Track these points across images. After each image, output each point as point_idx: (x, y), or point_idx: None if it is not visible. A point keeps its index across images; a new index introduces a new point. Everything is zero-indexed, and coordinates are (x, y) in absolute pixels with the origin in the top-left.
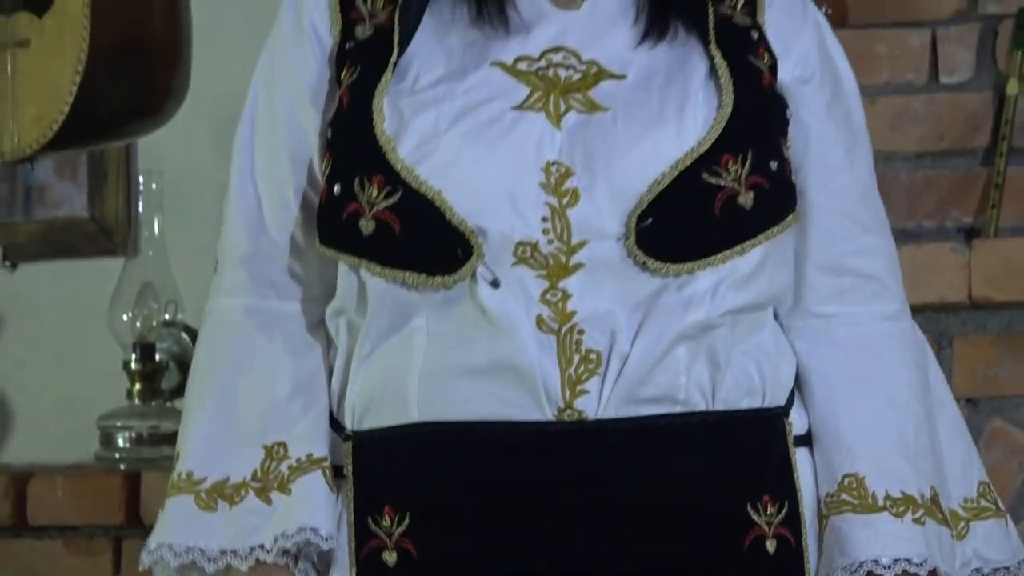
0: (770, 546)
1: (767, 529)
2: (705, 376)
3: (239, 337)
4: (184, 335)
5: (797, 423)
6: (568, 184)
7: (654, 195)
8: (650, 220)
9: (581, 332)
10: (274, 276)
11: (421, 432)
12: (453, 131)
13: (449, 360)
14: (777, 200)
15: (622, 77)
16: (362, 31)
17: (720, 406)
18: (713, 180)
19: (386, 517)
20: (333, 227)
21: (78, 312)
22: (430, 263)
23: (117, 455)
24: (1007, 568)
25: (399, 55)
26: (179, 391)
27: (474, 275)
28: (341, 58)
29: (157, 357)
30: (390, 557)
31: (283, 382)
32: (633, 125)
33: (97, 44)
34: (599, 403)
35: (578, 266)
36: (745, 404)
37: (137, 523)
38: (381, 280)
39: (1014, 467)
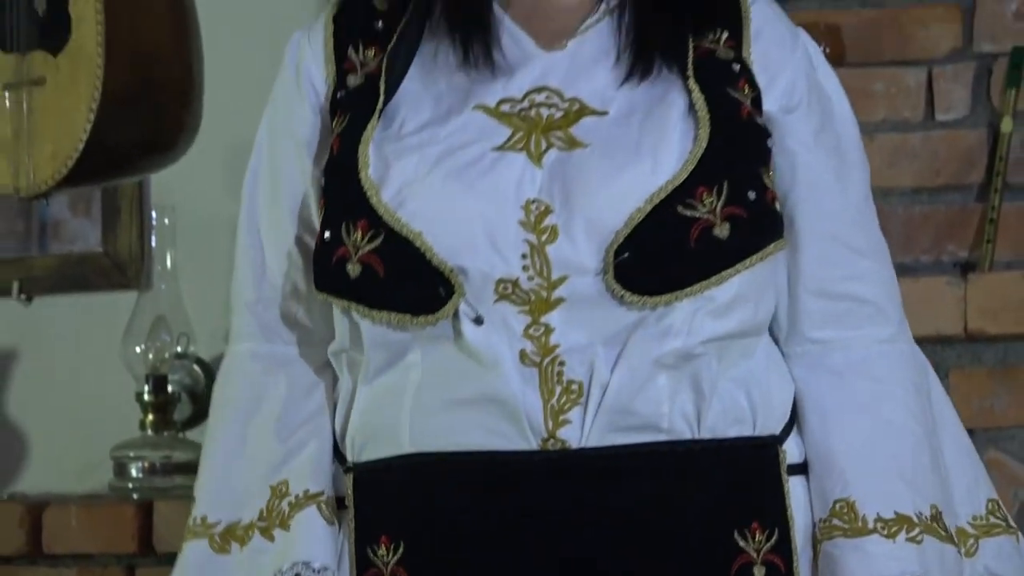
0: (758, 572)
1: (755, 555)
2: (689, 405)
3: (247, 383)
4: (196, 367)
5: (793, 452)
6: (547, 221)
7: (630, 229)
8: (627, 254)
9: (562, 364)
10: (278, 322)
11: (412, 463)
12: (434, 174)
13: (439, 393)
14: (756, 230)
15: (603, 113)
16: (353, 80)
17: (706, 434)
18: (688, 212)
19: (382, 546)
20: (325, 272)
21: (92, 344)
22: (414, 303)
23: (130, 485)
24: None
25: (385, 102)
26: (191, 422)
27: (457, 313)
28: (334, 107)
29: (169, 389)
30: None
31: (287, 423)
32: (610, 161)
33: (111, 82)
34: (582, 432)
35: (559, 300)
36: (734, 432)
37: (150, 552)
38: (369, 321)
39: (1009, 496)
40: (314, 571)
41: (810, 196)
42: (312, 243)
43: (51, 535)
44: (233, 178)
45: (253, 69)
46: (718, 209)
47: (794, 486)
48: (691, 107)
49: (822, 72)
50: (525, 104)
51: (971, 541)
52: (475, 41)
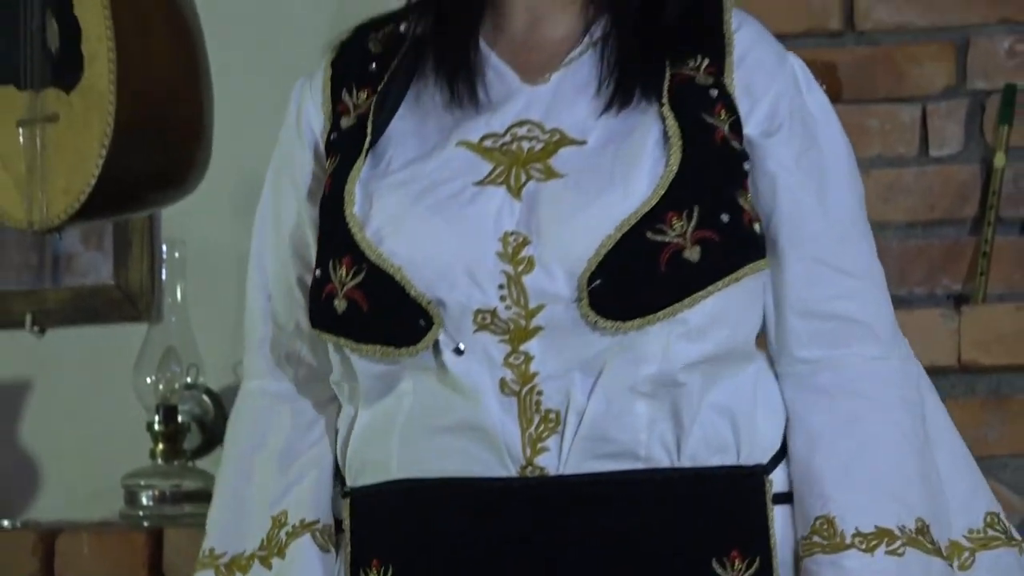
0: None
1: None
2: (669, 433)
3: (254, 419)
4: (205, 397)
5: (781, 481)
6: (524, 252)
7: (600, 257)
8: (599, 281)
9: (540, 393)
10: (285, 359)
11: (400, 488)
12: (415, 209)
13: (425, 421)
14: (729, 252)
15: (582, 143)
16: (346, 121)
17: (686, 462)
18: (658, 237)
19: (374, 570)
20: (316, 308)
21: (104, 375)
22: (397, 335)
23: (141, 513)
24: None
25: (372, 142)
26: (201, 451)
27: (438, 344)
28: (328, 149)
29: (179, 418)
30: None
31: (289, 456)
32: (585, 190)
33: (122, 119)
34: (559, 459)
35: (538, 329)
36: (716, 461)
37: None
38: (358, 355)
39: None
40: None
41: (791, 217)
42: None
43: (63, 562)
44: (242, 212)
45: (261, 106)
46: (688, 233)
47: (780, 515)
48: (665, 134)
49: (810, 94)
50: (507, 138)
51: (966, 554)
52: (460, 81)
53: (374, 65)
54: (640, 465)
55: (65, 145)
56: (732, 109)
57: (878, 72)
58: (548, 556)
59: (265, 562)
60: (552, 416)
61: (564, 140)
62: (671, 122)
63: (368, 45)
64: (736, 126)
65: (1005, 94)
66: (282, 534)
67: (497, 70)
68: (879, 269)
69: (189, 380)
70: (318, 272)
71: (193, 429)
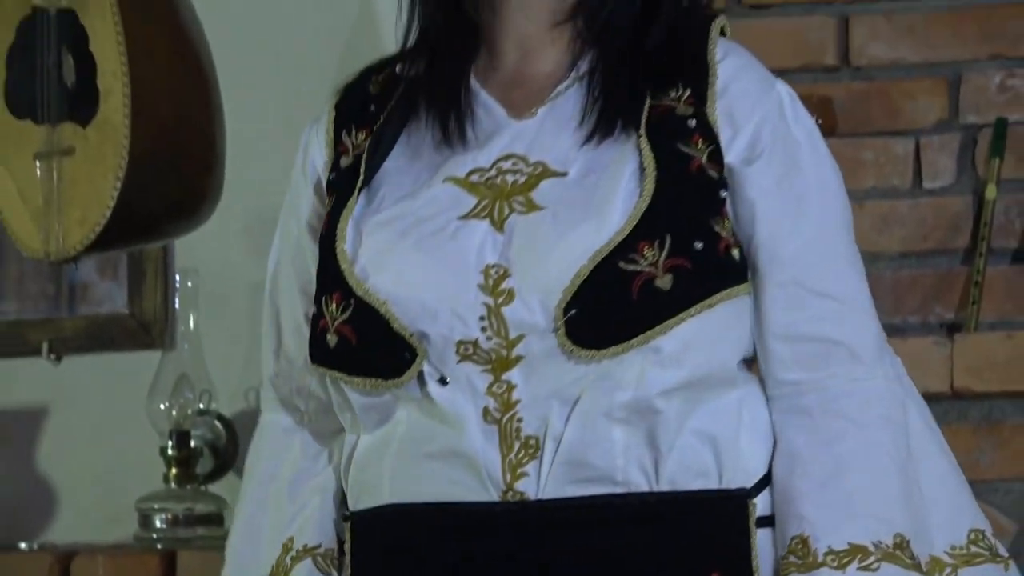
0: None
1: None
2: (646, 458)
3: (268, 451)
4: (217, 423)
5: (766, 503)
6: (505, 284)
7: (575, 287)
8: (574, 311)
9: (520, 420)
10: (295, 393)
11: (391, 512)
12: (401, 245)
13: (414, 448)
14: (702, 279)
15: (564, 174)
16: (344, 161)
17: (665, 486)
18: (630, 267)
19: None
20: (313, 344)
21: (118, 401)
22: (383, 368)
23: (154, 535)
24: None
25: (365, 181)
26: (213, 475)
27: (422, 375)
28: (328, 188)
29: (192, 444)
30: None
31: (298, 486)
32: (562, 221)
33: (137, 152)
34: (538, 485)
35: (519, 358)
36: (697, 485)
37: None
38: (350, 387)
39: None
40: None
41: (769, 242)
42: None
43: None
44: (253, 243)
45: (272, 140)
46: (660, 261)
47: (764, 538)
48: (641, 165)
49: (796, 121)
50: (492, 172)
51: (948, 570)
52: (450, 121)
53: (372, 106)
54: (618, 489)
55: (81, 177)
56: (711, 138)
57: (873, 106)
58: None
59: None
60: (532, 443)
61: (546, 172)
62: (647, 153)
63: (368, 87)
64: (715, 154)
65: (996, 128)
66: (288, 559)
67: (486, 106)
68: (863, 291)
69: (202, 406)
70: (314, 308)
71: (205, 454)
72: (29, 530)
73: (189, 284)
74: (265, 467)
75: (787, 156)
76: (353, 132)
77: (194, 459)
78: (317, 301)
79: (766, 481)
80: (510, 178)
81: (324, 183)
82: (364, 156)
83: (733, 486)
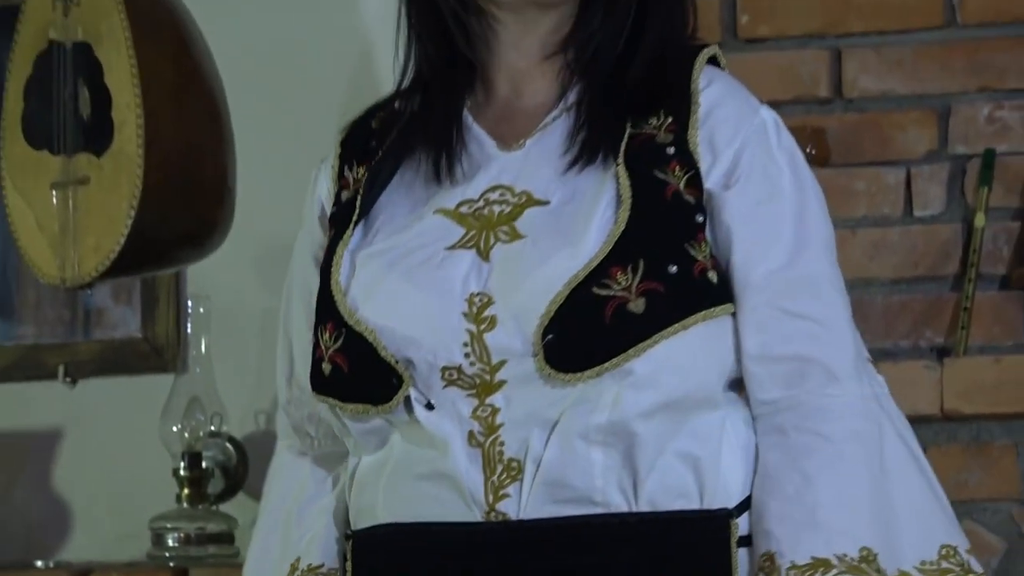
0: None
1: None
2: (625, 479)
3: (282, 476)
4: (228, 445)
5: (747, 523)
6: (488, 312)
7: (551, 313)
8: (551, 336)
9: (502, 444)
10: (306, 420)
11: (385, 532)
12: (390, 275)
13: (406, 470)
14: (675, 302)
15: (546, 203)
16: (345, 195)
17: (645, 507)
18: (603, 292)
19: None
20: (312, 372)
21: (132, 424)
22: (372, 394)
23: (167, 554)
24: None
25: (360, 215)
26: (224, 495)
27: (408, 401)
28: (329, 222)
29: (204, 464)
30: None
31: (306, 508)
32: (541, 249)
33: (150, 182)
34: (519, 505)
35: (502, 383)
36: (677, 505)
37: None
38: (344, 413)
39: (983, 564)
40: None
41: (744, 266)
42: None
43: None
44: (263, 270)
45: (282, 172)
46: (633, 286)
47: (744, 558)
48: (618, 192)
49: (778, 146)
50: (481, 203)
51: None
52: (442, 158)
53: (373, 142)
54: (597, 510)
55: (96, 206)
56: (690, 165)
57: (865, 137)
58: None
59: None
60: (514, 465)
61: (530, 202)
62: (624, 180)
63: (371, 123)
64: (694, 180)
65: (985, 158)
66: None
67: (478, 139)
68: (841, 311)
69: (213, 428)
70: (313, 338)
71: (217, 475)
72: (45, 548)
73: (201, 309)
74: (278, 491)
75: (767, 181)
76: (354, 167)
77: (205, 479)
78: (314, 331)
79: (750, 501)
80: (496, 208)
81: (327, 217)
82: (361, 190)
83: (715, 506)
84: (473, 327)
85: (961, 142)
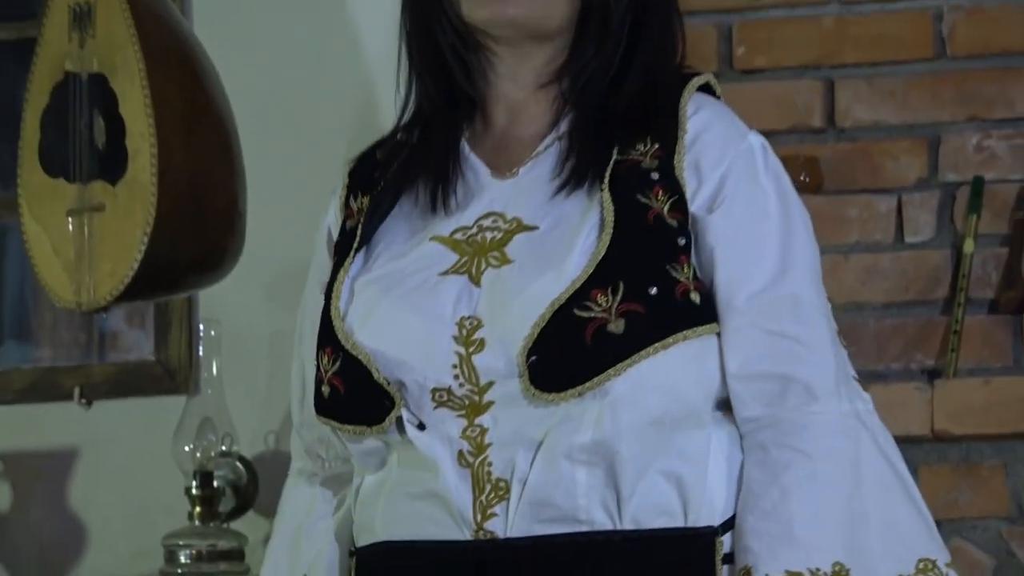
0: None
1: None
2: (609, 497)
3: (295, 497)
4: (239, 464)
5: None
6: (477, 335)
7: (535, 335)
8: (535, 357)
9: (490, 464)
10: (317, 442)
11: (382, 549)
12: (385, 300)
13: (401, 489)
14: (655, 323)
15: (535, 228)
16: (349, 224)
17: (629, 525)
18: (584, 314)
19: None
20: (316, 397)
21: (145, 444)
22: (367, 416)
23: (179, 570)
24: None
25: (360, 243)
26: (234, 514)
27: (400, 421)
28: (334, 250)
29: (215, 483)
30: None
31: (315, 528)
32: (528, 273)
33: (163, 210)
34: (506, 524)
35: (490, 403)
36: (661, 524)
37: None
38: (342, 434)
39: None
40: None
41: (726, 288)
42: None
43: None
44: (272, 295)
45: (290, 200)
46: (613, 307)
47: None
48: (602, 216)
49: (765, 170)
50: (474, 230)
51: None
52: (438, 191)
53: (376, 172)
54: (582, 528)
55: (110, 233)
56: (674, 190)
57: (857, 166)
58: None
59: None
60: (501, 484)
61: (520, 227)
62: (607, 205)
63: (376, 155)
64: (678, 204)
65: (974, 186)
66: None
67: (474, 169)
68: (823, 331)
69: (224, 448)
70: (315, 362)
71: (227, 493)
72: (61, 566)
73: (212, 333)
74: (290, 511)
75: (753, 204)
76: (359, 197)
77: (217, 498)
78: (316, 356)
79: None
80: (488, 234)
81: (334, 244)
82: (363, 219)
83: (699, 524)
84: (462, 349)
85: (951, 170)
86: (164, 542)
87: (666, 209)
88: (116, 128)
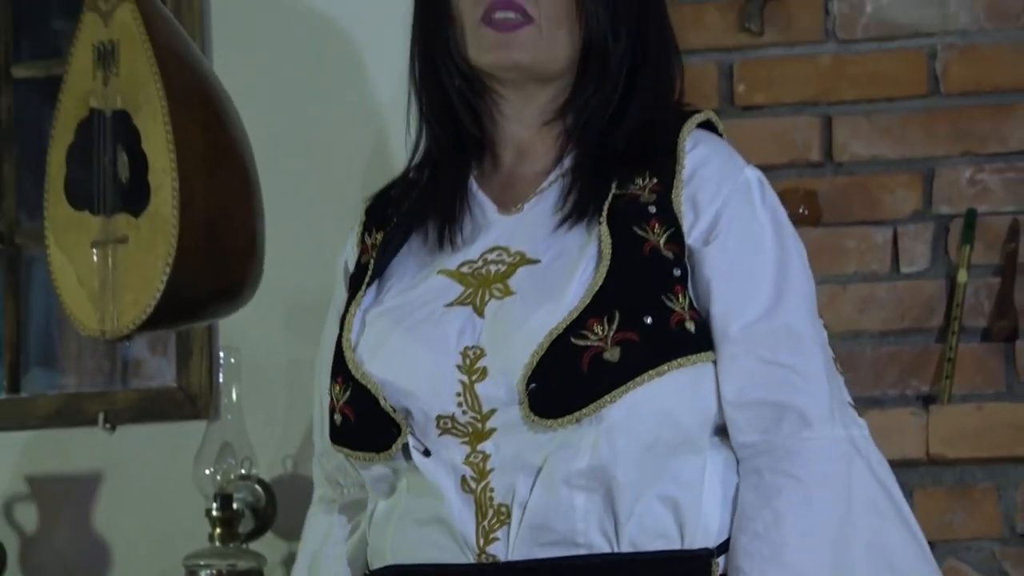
0: None
1: None
2: (607, 521)
3: (317, 523)
4: (257, 487)
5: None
6: (480, 363)
7: (534, 363)
8: (534, 385)
9: (492, 490)
10: (337, 470)
11: (392, 573)
12: (394, 331)
13: (409, 514)
14: (650, 351)
15: (537, 262)
16: (364, 259)
17: (626, 548)
18: (581, 342)
19: None
20: (329, 424)
21: (167, 467)
22: (375, 443)
23: None
24: None
25: (372, 277)
26: (254, 535)
27: (406, 448)
28: (349, 284)
29: (235, 506)
30: None
31: (334, 552)
32: (529, 305)
33: (184, 242)
34: (507, 548)
35: (492, 430)
36: (658, 546)
37: None
38: (354, 461)
39: None
40: None
41: (722, 318)
42: None
43: None
44: (290, 324)
45: (306, 231)
46: (609, 336)
47: None
48: (600, 248)
49: (761, 203)
50: (480, 263)
51: None
52: (445, 230)
53: (390, 209)
54: (580, 551)
55: (133, 264)
56: (671, 223)
57: (854, 199)
58: None
59: None
60: (503, 509)
61: (523, 261)
62: (605, 238)
63: (391, 192)
64: (675, 237)
65: (967, 218)
66: None
67: (481, 206)
68: (818, 360)
69: (243, 471)
70: (329, 391)
71: (247, 515)
72: None
73: (232, 360)
74: (311, 537)
75: (748, 237)
76: (373, 233)
77: (236, 520)
78: (329, 385)
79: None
80: (493, 268)
81: (348, 278)
82: (373, 256)
83: (695, 547)
84: (466, 378)
85: (945, 203)
86: (185, 563)
87: (662, 241)
88: (139, 163)
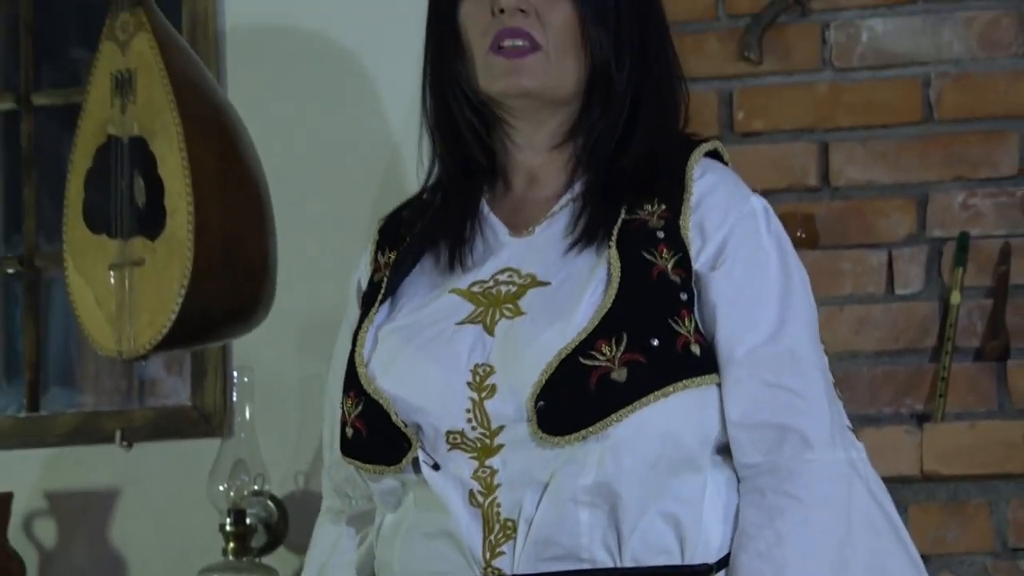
0: None
1: None
2: (610, 537)
3: (324, 534)
4: (270, 503)
5: None
6: (489, 381)
7: (543, 382)
8: (543, 403)
9: (499, 505)
10: (346, 481)
11: None
12: (406, 348)
13: (417, 528)
14: (656, 372)
15: (547, 284)
16: (377, 277)
17: (629, 563)
18: (589, 362)
19: None
20: (340, 437)
21: (182, 484)
22: (386, 456)
23: None
24: None
25: (384, 295)
26: (266, 549)
27: (416, 462)
28: (362, 301)
29: (248, 521)
30: None
31: (342, 563)
32: (539, 325)
33: (199, 264)
34: (513, 562)
35: (500, 446)
36: (659, 561)
37: None
38: (365, 474)
39: None
40: None
41: (727, 342)
42: None
43: None
44: (302, 344)
45: (318, 256)
46: (617, 356)
47: None
48: (609, 272)
49: (767, 231)
50: (491, 283)
51: None
52: (455, 253)
53: (403, 230)
54: (584, 566)
55: (150, 286)
56: (678, 248)
57: (850, 222)
58: None
59: None
60: (509, 524)
61: (534, 283)
62: (614, 262)
63: (403, 214)
64: (682, 262)
65: (960, 241)
66: None
67: (493, 228)
68: (819, 384)
69: (256, 488)
70: (341, 406)
71: (259, 530)
72: None
73: (245, 379)
74: (319, 547)
75: (753, 264)
76: (386, 252)
77: (249, 535)
78: (341, 399)
79: (729, 558)
80: (504, 288)
81: (361, 296)
82: (386, 275)
83: (695, 562)
84: (475, 395)
85: (938, 226)
86: None
87: (670, 266)
88: (155, 188)
